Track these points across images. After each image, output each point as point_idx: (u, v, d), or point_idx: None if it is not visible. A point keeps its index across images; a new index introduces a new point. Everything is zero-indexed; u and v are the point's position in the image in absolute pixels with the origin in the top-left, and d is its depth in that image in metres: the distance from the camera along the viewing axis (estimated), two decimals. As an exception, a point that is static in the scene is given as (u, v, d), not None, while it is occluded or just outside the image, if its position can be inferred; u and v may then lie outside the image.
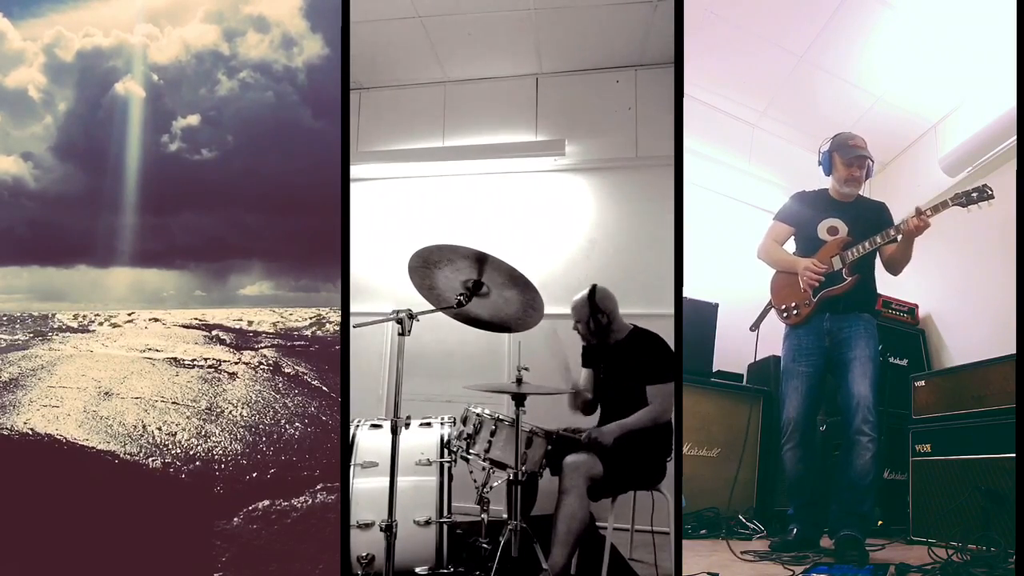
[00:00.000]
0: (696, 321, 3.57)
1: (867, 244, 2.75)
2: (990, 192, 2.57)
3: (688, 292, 3.59)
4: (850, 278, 2.77)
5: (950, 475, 2.87)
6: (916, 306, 3.86)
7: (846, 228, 2.85)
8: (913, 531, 2.95)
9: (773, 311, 3.00)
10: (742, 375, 3.70)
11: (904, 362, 3.60)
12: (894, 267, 2.82)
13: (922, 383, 3.21)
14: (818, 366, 2.83)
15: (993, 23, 3.12)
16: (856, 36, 3.45)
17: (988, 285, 3.36)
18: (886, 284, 3.24)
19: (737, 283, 3.61)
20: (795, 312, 2.88)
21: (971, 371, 3.00)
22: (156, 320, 4.67)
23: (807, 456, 2.86)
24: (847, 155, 2.84)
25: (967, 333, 3.54)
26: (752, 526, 3.13)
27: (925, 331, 3.85)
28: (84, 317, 4.80)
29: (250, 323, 4.72)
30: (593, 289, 2.69)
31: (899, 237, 2.70)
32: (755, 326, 3.19)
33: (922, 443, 3.05)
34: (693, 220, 3.68)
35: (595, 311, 2.66)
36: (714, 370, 3.59)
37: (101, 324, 4.67)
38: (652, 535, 2.86)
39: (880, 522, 3.06)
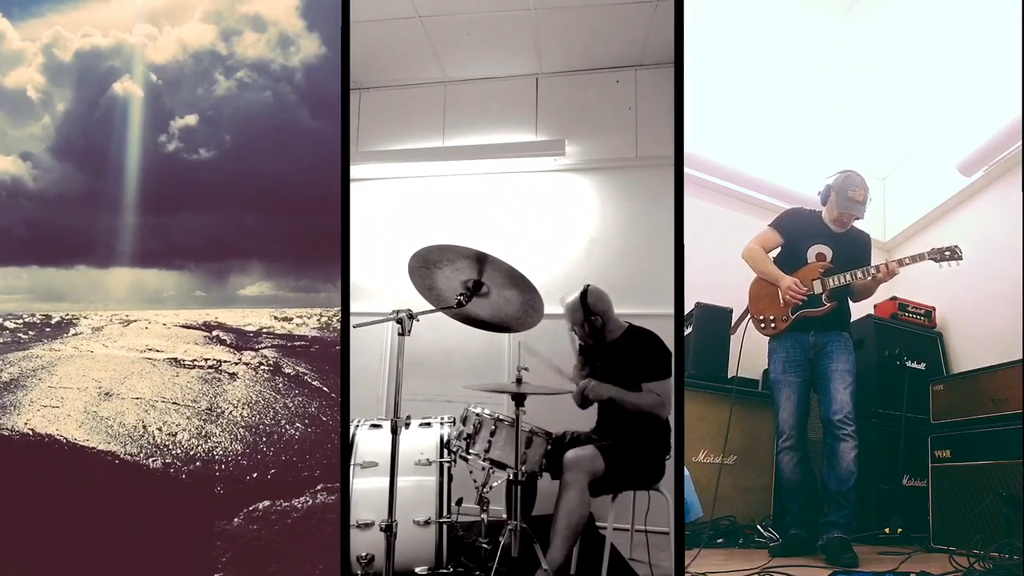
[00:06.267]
0: (710, 326, 3.54)
1: (848, 276, 2.92)
2: (959, 254, 2.80)
3: (702, 297, 3.58)
4: (828, 304, 2.93)
5: (970, 481, 2.84)
6: (933, 309, 3.82)
7: (831, 255, 3.01)
8: (934, 539, 2.91)
9: (749, 318, 3.13)
10: (757, 381, 3.65)
11: (922, 366, 3.53)
12: (857, 297, 3.05)
13: (940, 387, 3.19)
14: (805, 376, 2.97)
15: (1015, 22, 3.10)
16: (869, 31, 3.43)
17: (1007, 286, 3.33)
18: (902, 286, 3.24)
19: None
20: (772, 325, 3.03)
21: (990, 374, 2.98)
22: (156, 320, 4.66)
23: (804, 459, 2.93)
24: (842, 204, 2.97)
25: (986, 335, 3.50)
26: (768, 534, 3.08)
27: (943, 334, 3.81)
28: (84, 317, 4.80)
29: (250, 324, 4.72)
30: (585, 291, 2.67)
31: (873, 275, 2.87)
32: (733, 330, 3.30)
33: (941, 449, 3.02)
34: (705, 224, 3.69)
35: (589, 313, 2.65)
36: (729, 376, 3.51)
37: (101, 324, 4.67)
38: (646, 535, 2.86)
39: (900, 530, 3.05)
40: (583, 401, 2.69)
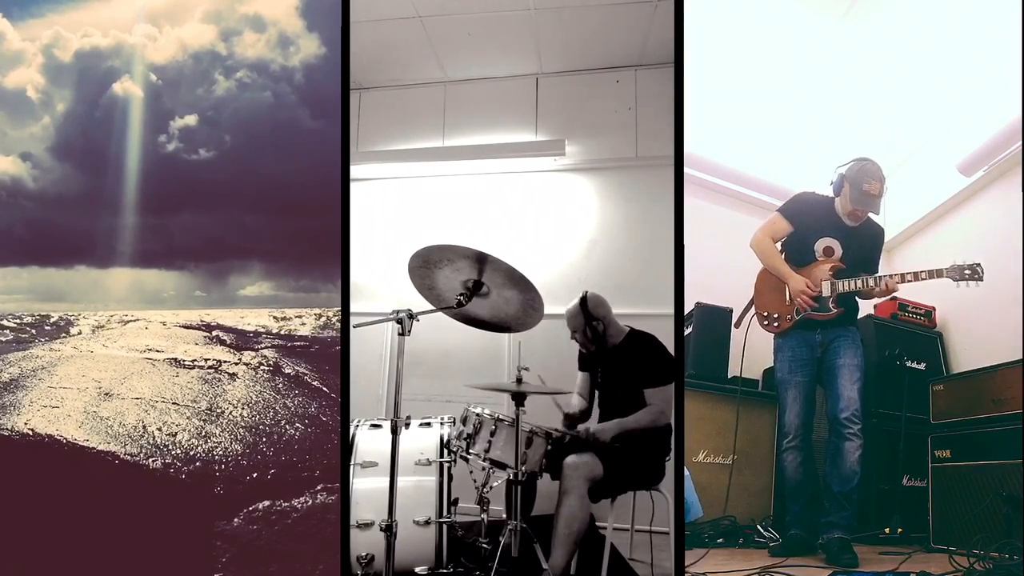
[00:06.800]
0: (710, 326, 3.53)
1: (859, 283, 2.82)
2: (980, 274, 2.67)
3: (702, 297, 3.57)
4: (836, 310, 2.85)
5: (970, 481, 2.84)
6: (933, 309, 3.81)
7: (841, 250, 2.90)
8: (934, 539, 2.91)
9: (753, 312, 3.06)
10: (757, 381, 3.65)
11: (922, 366, 3.53)
12: (862, 296, 2.93)
13: (940, 387, 3.19)
14: (812, 375, 2.91)
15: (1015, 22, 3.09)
16: (869, 31, 3.43)
17: (1007, 286, 3.33)
18: (902, 286, 3.22)
19: (751, 288, 3.57)
20: (776, 323, 2.96)
21: (990, 374, 2.98)
22: (156, 320, 4.66)
23: (808, 459, 2.90)
24: (856, 199, 2.82)
25: (986, 335, 3.48)
26: (768, 534, 3.08)
27: (943, 334, 3.80)
28: (84, 317, 4.80)
29: (250, 324, 4.72)
30: (584, 297, 2.68)
31: (885, 285, 2.77)
32: (738, 323, 3.21)
33: (941, 449, 3.02)
34: (705, 224, 3.69)
35: (589, 319, 2.66)
36: (729, 376, 3.52)
37: (101, 324, 4.67)
38: (650, 535, 2.86)
39: (900, 530, 3.04)
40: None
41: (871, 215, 2.94)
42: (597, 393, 2.84)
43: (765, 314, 2.99)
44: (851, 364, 2.80)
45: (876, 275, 2.83)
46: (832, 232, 2.92)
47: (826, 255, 2.91)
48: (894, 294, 3.49)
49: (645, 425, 2.53)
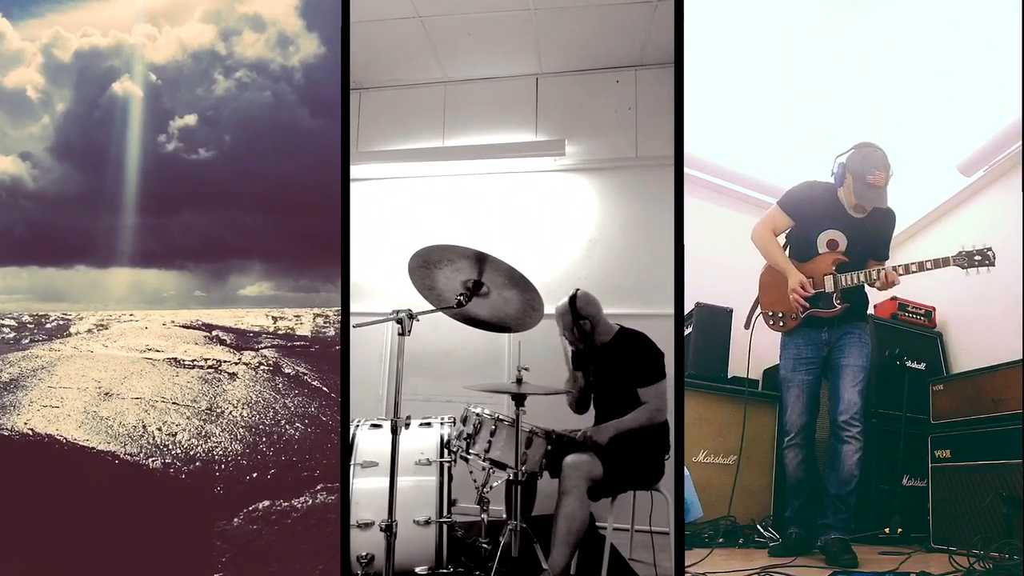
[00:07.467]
0: (710, 326, 3.53)
1: (862, 276, 2.73)
2: (992, 258, 2.55)
3: (702, 297, 3.57)
4: (840, 306, 2.77)
5: (970, 481, 2.83)
6: (933, 309, 3.81)
7: (846, 242, 2.80)
8: (934, 539, 2.90)
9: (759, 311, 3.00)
10: (758, 381, 3.63)
11: (922, 366, 3.52)
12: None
13: (940, 387, 3.19)
14: (817, 374, 2.85)
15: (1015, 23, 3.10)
16: (869, 31, 3.43)
17: (1007, 286, 3.33)
18: (902, 286, 3.22)
19: (752, 288, 3.58)
20: (781, 322, 2.90)
21: (990, 374, 2.97)
22: (156, 320, 4.66)
23: (810, 458, 2.89)
24: (861, 193, 2.69)
25: (986, 335, 3.48)
26: (768, 534, 3.07)
27: (943, 334, 3.80)
28: (83, 317, 4.80)
29: (250, 323, 4.73)
30: (574, 295, 2.68)
31: (878, 278, 2.69)
32: (747, 323, 3.12)
33: (941, 449, 3.01)
34: (705, 224, 3.68)
35: (577, 317, 2.66)
36: (730, 376, 3.51)
37: (101, 324, 4.67)
38: (651, 535, 2.86)
39: (900, 530, 3.04)
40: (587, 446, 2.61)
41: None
42: (592, 393, 2.83)
43: (770, 313, 2.93)
44: (855, 365, 2.74)
45: (880, 268, 2.72)
46: (836, 224, 2.80)
47: (830, 248, 2.81)
48: (895, 293, 3.50)
49: (642, 424, 2.53)
